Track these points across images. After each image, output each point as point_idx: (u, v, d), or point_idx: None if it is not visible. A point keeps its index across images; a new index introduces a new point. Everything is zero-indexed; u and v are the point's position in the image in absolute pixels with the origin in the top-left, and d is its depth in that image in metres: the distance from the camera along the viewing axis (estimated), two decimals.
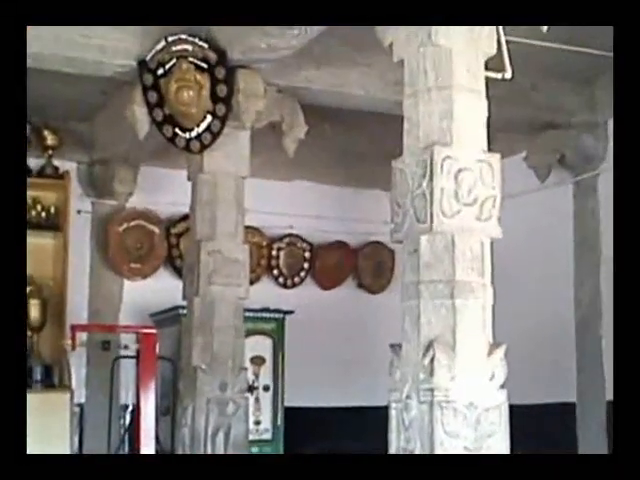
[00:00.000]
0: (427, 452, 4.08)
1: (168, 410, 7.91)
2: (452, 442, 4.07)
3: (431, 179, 4.25)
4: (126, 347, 8.72)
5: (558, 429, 7.72)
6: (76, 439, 8.29)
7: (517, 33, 4.65)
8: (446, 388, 4.12)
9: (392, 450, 4.30)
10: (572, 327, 7.91)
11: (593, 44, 6.47)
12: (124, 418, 8.65)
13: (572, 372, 7.87)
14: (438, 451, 4.04)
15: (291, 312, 8.62)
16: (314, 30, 5.75)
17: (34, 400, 7.87)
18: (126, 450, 8.43)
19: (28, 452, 7.38)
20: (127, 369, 8.57)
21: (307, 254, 9.79)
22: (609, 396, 7.38)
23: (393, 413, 4.32)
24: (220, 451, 6.33)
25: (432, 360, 4.15)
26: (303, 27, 5.74)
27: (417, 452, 4.13)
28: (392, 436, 4.31)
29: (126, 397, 8.67)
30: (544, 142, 7.95)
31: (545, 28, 4.52)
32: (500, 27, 4.51)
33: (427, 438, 4.09)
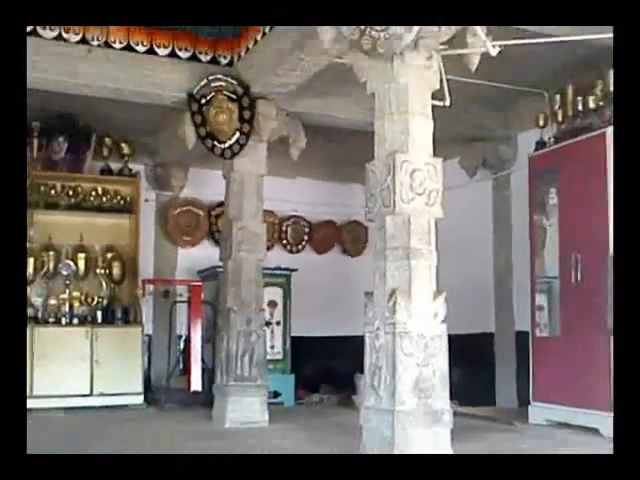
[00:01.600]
0: (390, 367, 4.11)
1: (210, 339, 7.91)
2: (408, 360, 4.07)
3: (393, 176, 4.23)
4: (180, 295, 8.73)
5: (482, 350, 7.76)
6: (146, 359, 8.30)
7: (453, 72, 4.60)
8: (404, 323, 4.11)
9: (366, 365, 4.31)
10: (491, 280, 7.94)
11: (506, 80, 6.46)
12: (179, 344, 8.65)
13: (491, 311, 7.92)
14: (398, 366, 4.06)
15: (295, 270, 8.61)
16: (310, 71, 5.75)
17: (116, 332, 7.91)
18: (180, 367, 8.43)
19: (114, 367, 7.57)
20: (181, 310, 8.57)
21: (306, 229, 9.79)
22: (517, 327, 7.46)
23: (367, 340, 4.31)
24: (246, 367, 6.35)
25: (394, 303, 4.15)
26: (304, 70, 5.74)
27: (384, 367, 4.15)
28: (367, 356, 4.31)
29: (180, 330, 8.66)
30: (472, 150, 7.96)
31: (476, 64, 4.47)
32: (442, 68, 4.48)
33: (391, 357, 4.09)
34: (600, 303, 5.52)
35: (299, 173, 9.10)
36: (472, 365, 7.33)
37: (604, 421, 5.44)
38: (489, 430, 5.97)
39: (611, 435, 5.21)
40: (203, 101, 6.30)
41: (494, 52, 4.21)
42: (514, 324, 7.56)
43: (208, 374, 7.56)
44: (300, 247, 9.75)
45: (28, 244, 7.81)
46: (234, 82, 6.26)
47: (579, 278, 5.90)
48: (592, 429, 5.56)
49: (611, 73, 5.93)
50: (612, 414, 5.21)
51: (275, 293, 8.33)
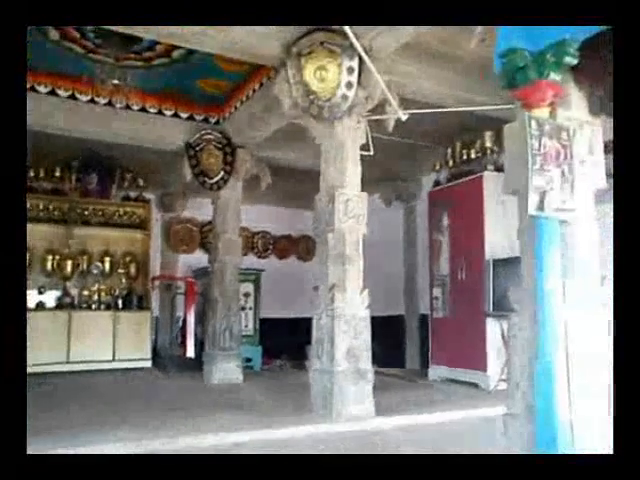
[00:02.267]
0: (330, 340, 4.10)
1: (201, 319, 7.80)
2: (343, 335, 4.08)
3: (333, 204, 4.26)
4: (179, 288, 8.59)
5: (395, 329, 7.76)
6: (153, 334, 8.15)
7: (375, 131, 4.64)
8: (340, 308, 4.14)
9: (313, 339, 4.29)
10: (402, 277, 7.97)
11: (414, 137, 6.51)
12: (178, 323, 8.49)
13: (402, 299, 7.93)
14: (336, 339, 4.04)
15: (263, 270, 8.53)
16: (275, 128, 5.74)
17: (132, 315, 7.76)
18: (179, 340, 8.29)
19: (130, 340, 7.49)
20: (180, 299, 8.44)
21: (271, 241, 9.73)
22: (421, 311, 7.49)
23: (314, 321, 4.31)
24: (227, 340, 6.28)
25: (333, 295, 4.16)
26: (270, 127, 5.73)
27: (325, 340, 4.15)
28: (313, 332, 4.31)
29: (179, 313, 8.51)
30: (389, 187, 8.02)
31: (392, 126, 4.50)
32: (368, 129, 4.51)
33: (331, 333, 4.11)
34: (478, 294, 5.64)
35: (266, 201, 9.05)
36: (389, 338, 7.33)
37: (481, 378, 5.54)
38: (400, 385, 6.02)
39: (486, 386, 5.39)
40: (197, 148, 6.23)
41: (404, 118, 4.29)
42: (419, 308, 7.62)
43: (199, 345, 7.46)
44: (266, 254, 9.69)
45: (67, 250, 7.76)
46: (220, 135, 6.22)
47: (464, 276, 6.01)
48: (473, 384, 5.65)
49: (487, 134, 6.08)
50: (487, 372, 5.45)
51: (248, 287, 8.23)
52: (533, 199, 2.29)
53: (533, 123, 2.34)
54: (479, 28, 3.29)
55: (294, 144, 6.34)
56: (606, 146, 2.70)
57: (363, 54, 3.65)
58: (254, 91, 5.54)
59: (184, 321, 8.13)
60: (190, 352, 7.71)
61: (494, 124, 5.76)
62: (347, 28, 3.27)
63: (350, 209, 4.29)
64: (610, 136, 2.81)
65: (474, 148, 6.19)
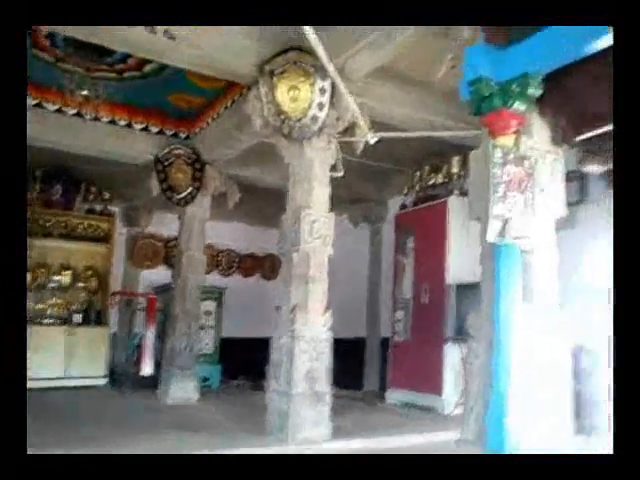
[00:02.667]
0: (289, 361, 4.05)
1: (161, 336, 7.63)
2: (303, 356, 4.05)
3: (299, 224, 4.25)
4: (141, 304, 8.41)
5: (355, 352, 7.61)
6: (111, 351, 7.92)
7: (345, 153, 4.66)
8: (301, 329, 4.10)
9: (272, 360, 4.23)
10: (365, 300, 7.90)
11: (382, 160, 6.53)
12: (134, 340, 8.24)
13: (364, 322, 7.85)
14: (295, 361, 4.00)
15: (226, 288, 8.44)
16: (245, 146, 5.72)
17: (89, 330, 7.56)
18: (135, 357, 8.05)
19: (85, 356, 7.25)
20: (140, 316, 8.24)
21: (236, 259, 9.60)
22: (382, 334, 7.43)
23: (274, 342, 4.27)
24: (185, 359, 6.15)
25: (295, 315, 4.13)
26: (241, 145, 5.70)
27: (284, 361, 4.09)
28: (273, 353, 4.26)
29: (139, 329, 8.29)
30: (357, 208, 8.00)
31: (360, 148, 4.53)
32: (338, 150, 4.52)
33: (290, 354, 4.06)
34: (439, 318, 5.66)
35: (233, 218, 8.97)
36: (349, 360, 7.29)
37: (438, 402, 5.53)
38: (359, 408, 5.96)
39: (442, 410, 5.38)
40: (166, 163, 6.15)
41: (372, 141, 4.32)
42: (380, 331, 7.57)
43: (157, 363, 7.28)
44: (231, 272, 9.56)
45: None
46: (190, 151, 6.16)
47: (426, 300, 6.03)
48: (430, 407, 5.63)
49: (454, 159, 6.16)
50: (445, 397, 5.42)
51: (210, 305, 8.10)
52: (493, 226, 2.31)
53: (497, 151, 2.38)
54: (449, 55, 3.37)
55: (264, 163, 6.32)
56: (567, 176, 2.76)
57: (334, 75, 3.67)
58: (226, 108, 5.52)
59: (141, 338, 7.93)
60: (146, 370, 7.50)
61: (461, 150, 5.87)
62: (320, 49, 3.29)
63: (316, 230, 4.28)
64: (570, 167, 2.89)
65: (441, 173, 6.28)
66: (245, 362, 7.96)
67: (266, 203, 7.82)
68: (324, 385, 4.06)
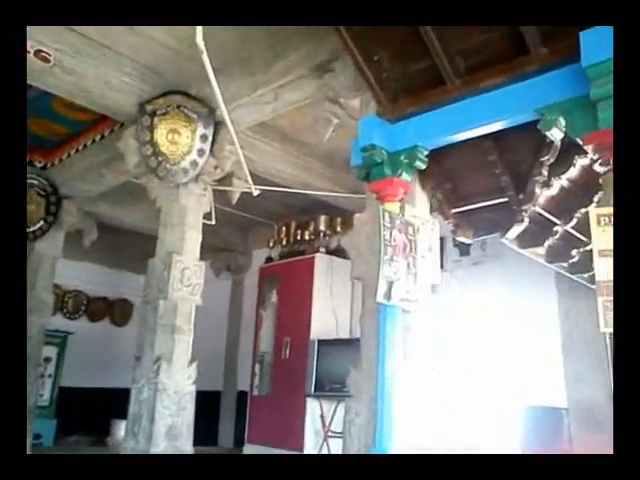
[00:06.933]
0: (150, 418, 3.80)
1: None
2: (164, 411, 3.82)
3: (169, 271, 4.08)
4: None
5: (211, 406, 7.36)
6: None
7: (218, 202, 4.61)
8: (164, 382, 3.89)
9: (130, 414, 3.94)
10: (223, 352, 7.72)
11: (248, 211, 6.53)
12: None
13: (221, 374, 7.66)
14: (156, 416, 3.77)
15: (72, 333, 7.78)
16: (110, 184, 5.44)
17: None
18: None
19: None
20: None
21: (85, 301, 8.88)
22: (239, 388, 7.30)
23: (133, 394, 3.98)
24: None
25: (159, 367, 3.91)
26: (105, 182, 5.41)
27: (144, 416, 3.83)
28: (131, 406, 3.96)
29: None
30: (220, 257, 7.89)
31: (236, 198, 4.53)
32: (212, 202, 4.46)
33: (151, 409, 3.82)
34: (300, 373, 5.67)
35: (87, 258, 8.36)
36: (204, 414, 7.04)
37: None
38: None
39: None
40: None
41: (255, 193, 4.33)
42: (237, 385, 7.42)
43: None
44: (78, 315, 8.82)
45: None
46: (45, 182, 5.69)
47: (287, 355, 6.04)
48: None
49: (322, 218, 6.37)
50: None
51: (51, 351, 7.41)
52: (382, 287, 2.40)
53: (386, 216, 2.50)
54: (335, 120, 3.53)
55: (128, 203, 6.05)
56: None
57: (228, 124, 3.66)
58: (93, 142, 5.22)
59: None
60: None
61: (329, 209, 6.14)
62: (218, 93, 3.28)
63: (186, 278, 4.14)
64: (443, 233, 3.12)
65: (308, 230, 6.44)
66: (87, 415, 7.32)
67: (124, 244, 7.48)
68: (186, 442, 3.86)
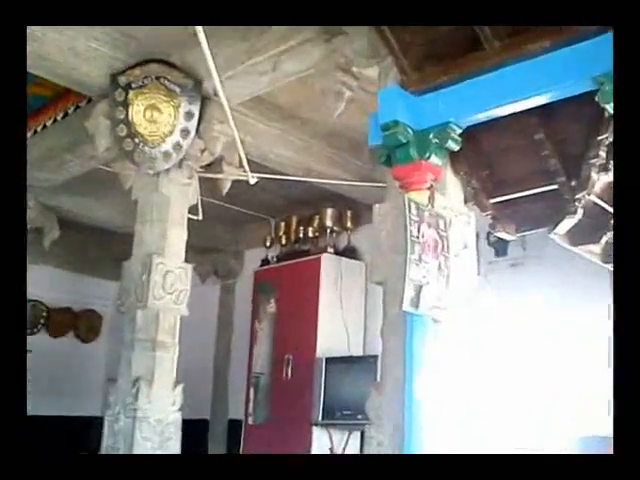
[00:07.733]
0: (128, 450, 3.82)
1: None
2: (145, 443, 3.84)
3: (149, 275, 4.09)
4: None
5: (198, 434, 7.37)
6: None
7: (205, 195, 4.60)
8: (145, 409, 3.90)
9: (103, 448, 3.97)
10: (211, 373, 7.69)
11: (241, 204, 6.52)
12: None
13: (208, 400, 7.63)
14: (136, 449, 3.78)
15: (29, 351, 7.75)
16: (75, 172, 5.44)
17: None
18: None
19: None
20: None
21: (44, 313, 8.87)
22: (230, 416, 7.31)
23: (107, 423, 4.00)
24: None
25: (137, 390, 3.92)
26: (69, 170, 5.42)
27: (121, 450, 3.84)
28: (105, 438, 3.98)
29: None
30: (206, 259, 7.85)
31: (227, 188, 4.53)
32: (198, 192, 4.46)
33: (129, 440, 3.83)
34: (306, 397, 5.68)
35: (47, 262, 8.36)
36: (189, 446, 7.04)
37: None
38: None
39: None
40: None
41: (252, 181, 4.34)
42: (227, 412, 7.41)
43: None
44: (36, 329, 8.82)
45: None
46: None
47: (289, 375, 6.04)
48: None
49: (328, 211, 6.36)
50: None
51: None
52: (409, 293, 2.40)
53: (413, 207, 2.50)
54: (347, 94, 3.53)
55: (97, 195, 6.07)
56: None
57: (222, 97, 3.66)
58: (55, 121, 5.23)
59: None
60: None
61: (336, 201, 6.12)
62: (210, 59, 3.28)
63: (170, 283, 4.14)
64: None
65: (312, 226, 6.42)
66: (47, 450, 7.31)
67: (91, 245, 7.48)
68: None
